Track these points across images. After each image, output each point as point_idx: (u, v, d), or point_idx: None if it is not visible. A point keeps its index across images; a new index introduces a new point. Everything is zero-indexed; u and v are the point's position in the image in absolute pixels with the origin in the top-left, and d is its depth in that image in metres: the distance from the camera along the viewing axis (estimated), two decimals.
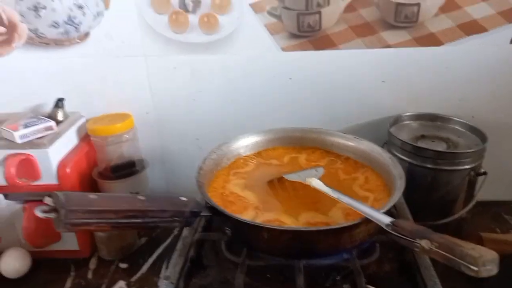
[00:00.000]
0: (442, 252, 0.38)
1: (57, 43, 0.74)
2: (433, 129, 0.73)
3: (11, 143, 0.64)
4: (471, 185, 0.68)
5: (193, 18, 0.71)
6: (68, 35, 0.73)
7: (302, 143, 0.68)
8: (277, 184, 0.59)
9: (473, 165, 0.65)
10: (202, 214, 0.49)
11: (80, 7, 0.71)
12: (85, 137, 0.76)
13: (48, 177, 0.66)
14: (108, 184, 0.73)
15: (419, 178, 0.66)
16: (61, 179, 0.66)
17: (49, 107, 0.75)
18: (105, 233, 0.70)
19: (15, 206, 0.68)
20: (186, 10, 0.71)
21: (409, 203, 0.63)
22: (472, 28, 0.69)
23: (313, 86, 0.76)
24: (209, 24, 0.71)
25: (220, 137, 0.66)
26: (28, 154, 0.64)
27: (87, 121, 0.76)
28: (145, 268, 0.69)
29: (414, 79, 0.74)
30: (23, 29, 0.72)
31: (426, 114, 0.75)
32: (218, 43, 0.73)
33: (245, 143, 0.66)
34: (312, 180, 0.55)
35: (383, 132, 0.73)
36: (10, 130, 0.64)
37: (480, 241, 0.64)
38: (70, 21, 0.71)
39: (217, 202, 0.54)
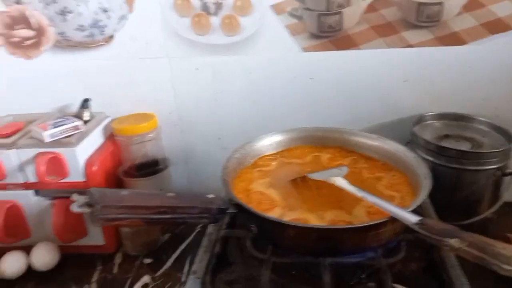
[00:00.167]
0: (473, 251, 0.38)
1: (83, 45, 0.76)
2: (457, 129, 0.73)
3: (40, 142, 0.66)
4: (497, 185, 0.67)
5: (215, 20, 0.73)
6: (94, 37, 0.75)
7: (324, 142, 0.68)
8: (300, 183, 0.60)
9: (499, 165, 0.65)
10: (229, 211, 0.50)
11: (105, 10, 0.73)
12: (110, 136, 0.78)
13: (75, 174, 0.68)
14: (133, 182, 0.75)
15: (443, 178, 0.66)
16: (88, 177, 0.68)
17: (75, 107, 0.77)
18: (130, 229, 0.72)
19: (44, 202, 0.70)
20: (208, 13, 0.72)
21: (432, 203, 0.62)
22: (496, 26, 0.68)
23: (335, 86, 0.76)
24: (230, 25, 0.72)
25: (242, 137, 0.67)
26: (57, 153, 0.66)
27: (112, 121, 0.78)
28: (169, 263, 0.71)
29: (437, 79, 0.73)
30: (51, 33, 0.75)
31: (450, 113, 0.75)
32: (240, 44, 0.74)
33: (268, 142, 0.67)
34: (336, 179, 0.55)
35: (405, 132, 0.72)
36: (40, 130, 0.66)
37: (508, 242, 0.63)
38: (95, 24, 0.73)
39: (242, 200, 0.54)
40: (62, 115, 0.74)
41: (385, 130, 0.77)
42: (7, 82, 0.81)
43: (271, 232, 0.50)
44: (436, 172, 0.63)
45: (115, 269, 0.70)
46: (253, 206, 0.54)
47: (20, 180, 0.68)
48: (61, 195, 0.69)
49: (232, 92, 0.79)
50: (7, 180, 0.68)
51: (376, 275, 0.50)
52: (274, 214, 0.53)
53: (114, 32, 0.75)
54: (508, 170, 0.66)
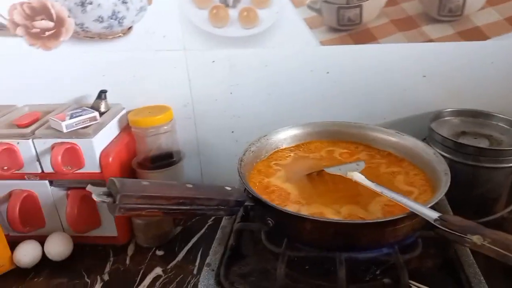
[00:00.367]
0: (496, 248, 0.37)
1: (101, 37, 0.76)
2: (475, 126, 0.71)
3: (57, 132, 0.67)
4: None
5: (233, 13, 0.72)
6: (112, 29, 0.75)
7: (341, 137, 0.68)
8: (316, 177, 0.59)
9: None
10: (246, 203, 0.50)
11: (124, 2, 0.73)
12: (125, 128, 0.78)
13: (91, 165, 0.68)
14: (147, 174, 0.76)
15: (460, 175, 0.64)
16: (103, 168, 0.68)
17: (92, 98, 0.78)
18: (143, 220, 0.72)
19: (59, 192, 0.71)
20: (226, 5, 0.72)
21: (448, 199, 0.61)
22: None
23: (351, 80, 0.75)
24: (248, 18, 0.72)
25: (256, 131, 0.67)
26: (73, 143, 0.67)
27: (128, 112, 0.78)
28: (180, 256, 0.71)
29: (456, 74, 0.72)
30: (70, 24, 0.75)
31: (468, 110, 0.73)
32: (257, 37, 0.73)
33: (283, 136, 0.67)
34: (354, 174, 0.55)
35: (422, 128, 0.71)
36: (58, 120, 0.67)
37: None
38: (114, 16, 0.74)
39: (258, 193, 0.54)
40: (78, 106, 0.75)
41: (401, 126, 0.76)
42: (25, 73, 0.81)
43: (288, 225, 0.50)
44: (452, 168, 0.62)
45: (128, 261, 0.71)
46: (269, 199, 0.54)
47: (37, 170, 0.69)
48: (76, 185, 0.70)
49: (248, 85, 0.78)
50: (24, 170, 0.69)
51: (391, 271, 0.49)
52: (291, 207, 0.53)
53: (132, 23, 0.75)
54: None
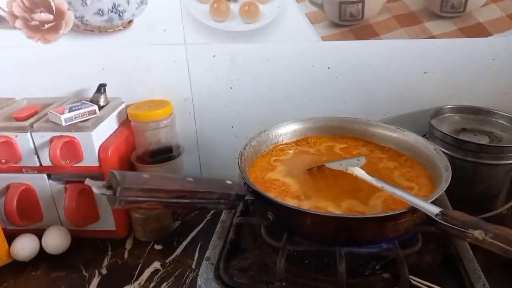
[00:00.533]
0: (499, 243, 0.37)
1: (101, 30, 0.76)
2: (475, 123, 0.72)
3: (56, 126, 0.67)
4: None
5: (234, 7, 0.72)
6: (112, 22, 0.75)
7: (342, 132, 0.68)
8: (317, 172, 0.59)
9: None
10: (247, 197, 0.50)
11: None
12: (125, 122, 0.78)
13: (90, 159, 0.68)
14: (146, 168, 0.75)
15: (460, 171, 0.64)
16: (102, 162, 0.68)
17: (91, 92, 0.77)
18: (142, 215, 0.72)
19: (57, 186, 0.71)
20: None
21: (448, 196, 0.61)
22: None
23: (352, 76, 0.75)
24: (249, 12, 0.72)
25: (256, 126, 0.67)
26: (72, 137, 0.66)
27: (127, 106, 0.78)
28: (179, 250, 0.71)
29: (458, 71, 0.72)
30: (70, 17, 0.75)
31: (468, 106, 0.74)
32: (258, 31, 0.73)
33: (284, 131, 0.67)
34: (354, 169, 0.55)
35: (422, 124, 0.71)
36: (57, 113, 0.66)
37: None
38: (115, 9, 0.73)
39: (259, 187, 0.54)
40: (78, 100, 0.75)
41: (401, 122, 0.76)
42: (24, 66, 0.81)
43: (288, 220, 0.50)
44: (452, 165, 0.62)
45: (126, 255, 0.70)
46: (270, 194, 0.54)
47: (35, 163, 0.68)
48: (74, 179, 0.70)
49: (248, 80, 0.78)
50: (22, 163, 0.68)
51: (391, 266, 0.49)
52: (290, 202, 0.53)
53: (132, 17, 0.75)
54: None
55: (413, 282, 0.47)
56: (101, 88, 0.76)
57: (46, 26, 0.76)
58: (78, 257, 0.70)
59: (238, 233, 0.57)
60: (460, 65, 0.72)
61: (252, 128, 0.66)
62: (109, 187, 0.42)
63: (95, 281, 0.65)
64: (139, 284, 0.64)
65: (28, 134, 0.66)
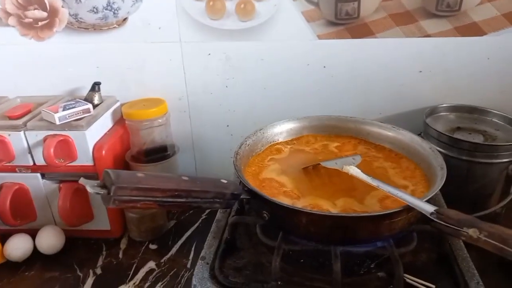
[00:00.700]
0: (493, 241, 0.37)
1: (96, 28, 0.75)
2: (470, 122, 0.72)
3: (50, 124, 0.66)
4: (509, 179, 0.66)
5: (230, 5, 0.72)
6: (107, 20, 0.74)
7: (337, 131, 0.68)
8: (312, 171, 0.59)
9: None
10: (242, 196, 0.50)
11: None
12: (119, 121, 0.77)
13: (84, 158, 0.67)
14: (140, 168, 0.75)
15: (454, 170, 0.64)
16: (96, 161, 0.68)
17: (85, 90, 0.76)
18: (136, 214, 0.71)
19: (51, 185, 0.70)
20: None
21: (442, 194, 0.62)
22: None
23: (348, 75, 0.75)
24: (245, 10, 0.71)
25: (251, 125, 0.67)
26: (66, 136, 0.66)
27: (122, 105, 0.77)
28: (174, 250, 0.71)
29: (453, 70, 0.72)
30: (64, 14, 0.74)
31: (463, 105, 0.74)
32: (254, 30, 0.73)
33: (279, 130, 0.66)
34: (350, 168, 0.55)
35: (417, 123, 0.72)
36: (51, 112, 0.66)
37: None
38: (109, 6, 0.72)
39: (254, 186, 0.54)
40: (72, 98, 0.74)
41: (397, 121, 0.76)
42: (17, 64, 0.80)
43: (283, 219, 0.50)
44: (447, 164, 0.62)
45: (120, 254, 0.70)
46: (265, 192, 0.54)
47: (28, 162, 0.68)
48: (68, 178, 0.69)
49: (244, 78, 0.78)
50: (15, 162, 0.68)
51: (386, 264, 0.49)
52: (285, 201, 0.53)
53: (127, 15, 0.74)
54: None
55: (407, 280, 0.47)
56: (95, 87, 0.75)
57: (40, 23, 0.75)
58: (72, 257, 0.69)
59: (234, 232, 0.57)
60: (456, 64, 0.72)
61: (248, 127, 0.66)
62: (103, 186, 0.42)
63: (90, 281, 0.64)
64: (134, 284, 0.63)
65: (22, 133, 0.66)
